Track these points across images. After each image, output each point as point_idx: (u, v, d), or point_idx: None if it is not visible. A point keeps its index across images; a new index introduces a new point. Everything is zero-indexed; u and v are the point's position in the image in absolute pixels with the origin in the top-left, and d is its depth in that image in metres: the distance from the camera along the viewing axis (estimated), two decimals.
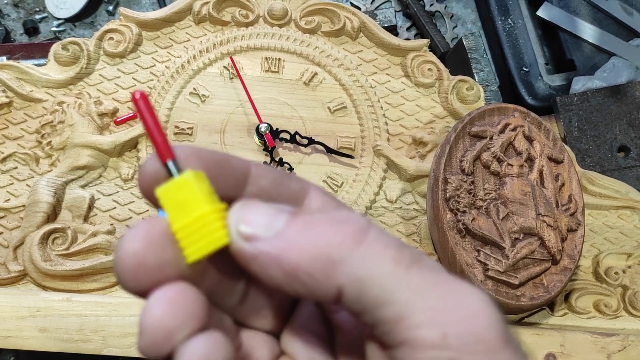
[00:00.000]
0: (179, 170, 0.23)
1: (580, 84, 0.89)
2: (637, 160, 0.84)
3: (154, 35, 0.77)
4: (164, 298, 0.21)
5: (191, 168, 0.23)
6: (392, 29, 0.99)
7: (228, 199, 0.24)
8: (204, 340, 0.22)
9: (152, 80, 0.74)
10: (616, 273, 0.70)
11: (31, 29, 1.02)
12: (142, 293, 0.22)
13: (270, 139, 0.70)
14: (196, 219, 0.22)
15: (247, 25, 0.78)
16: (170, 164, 0.23)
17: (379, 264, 0.21)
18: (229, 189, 0.25)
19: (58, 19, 1.03)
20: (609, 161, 0.84)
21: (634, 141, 0.85)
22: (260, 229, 0.22)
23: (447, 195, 0.65)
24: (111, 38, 0.75)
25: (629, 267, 0.72)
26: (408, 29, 1.04)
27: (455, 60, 0.94)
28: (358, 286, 0.21)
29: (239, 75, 0.73)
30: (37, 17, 1.04)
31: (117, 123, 0.71)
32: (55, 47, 0.73)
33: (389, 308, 0.21)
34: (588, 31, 0.95)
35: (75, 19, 1.04)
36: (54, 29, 1.03)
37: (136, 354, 0.59)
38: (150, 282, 0.22)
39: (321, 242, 0.22)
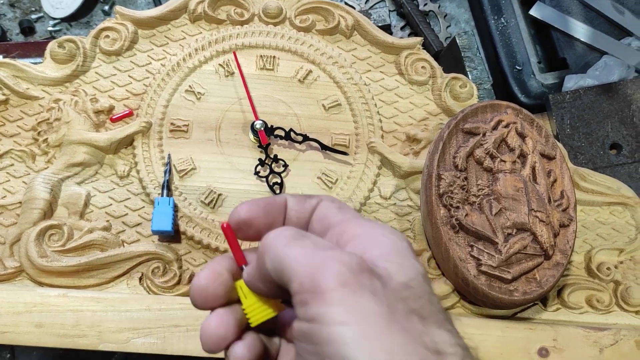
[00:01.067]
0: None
1: (572, 82, 0.90)
2: (629, 158, 0.85)
3: (150, 34, 0.77)
4: (217, 316, 0.34)
5: (247, 214, 0.36)
6: (386, 28, 1.00)
7: (279, 221, 0.36)
8: (244, 343, 0.34)
9: (147, 78, 0.75)
10: (608, 268, 0.71)
11: (27, 29, 1.02)
12: (204, 309, 0.35)
13: (264, 136, 0.70)
14: (256, 301, 0.34)
15: (242, 23, 0.79)
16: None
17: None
18: (280, 215, 0.36)
19: (54, 18, 1.04)
20: (601, 158, 0.85)
21: (626, 138, 0.86)
22: None
23: (441, 191, 0.65)
24: (107, 36, 0.75)
25: (621, 262, 0.73)
26: (402, 28, 1.04)
27: (449, 58, 0.95)
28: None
29: (240, 71, 0.74)
30: (33, 17, 1.04)
31: (113, 121, 0.72)
32: (52, 45, 0.74)
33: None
34: (580, 30, 0.96)
35: (71, 19, 1.04)
36: (50, 28, 1.03)
37: (131, 349, 0.60)
38: (209, 306, 0.34)
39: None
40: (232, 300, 0.35)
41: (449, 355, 0.27)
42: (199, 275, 0.34)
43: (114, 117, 0.71)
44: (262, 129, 0.70)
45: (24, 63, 0.73)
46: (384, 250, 0.30)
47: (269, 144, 0.72)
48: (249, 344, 0.34)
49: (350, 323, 0.26)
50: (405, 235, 0.38)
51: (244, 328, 0.35)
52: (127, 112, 0.72)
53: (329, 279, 0.27)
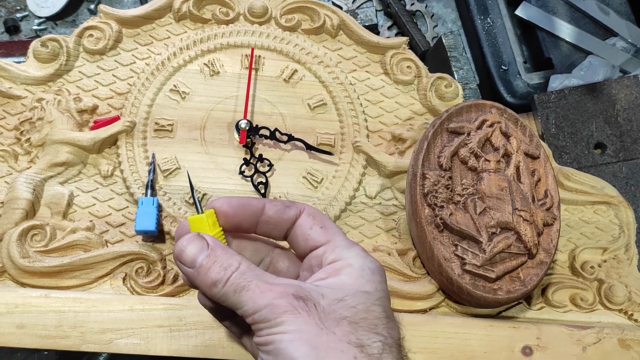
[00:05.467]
0: (202, 211, 0.45)
1: (557, 82, 0.90)
2: (613, 157, 0.85)
3: (134, 33, 0.77)
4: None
5: (219, 209, 0.45)
6: (373, 28, 1.00)
7: (250, 224, 0.46)
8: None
9: (132, 77, 0.74)
10: (592, 267, 0.71)
11: (12, 28, 1.01)
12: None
13: (244, 137, 0.70)
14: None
15: (227, 22, 0.78)
16: (200, 210, 0.46)
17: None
18: (251, 218, 0.46)
19: (39, 17, 1.03)
20: (585, 158, 0.85)
21: (610, 138, 0.86)
22: (188, 259, 0.42)
23: (425, 190, 0.65)
24: (91, 35, 0.75)
25: (605, 261, 0.73)
26: (389, 28, 1.05)
27: (436, 58, 0.95)
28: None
29: (250, 69, 0.74)
30: (18, 15, 1.03)
31: (93, 129, 0.71)
32: (35, 44, 0.73)
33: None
34: (565, 30, 0.96)
35: (56, 18, 1.03)
36: (35, 27, 1.02)
37: (114, 350, 0.59)
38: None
39: (208, 278, 0.41)
40: None
41: (370, 347, 0.38)
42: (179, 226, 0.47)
43: (93, 126, 0.70)
44: (247, 128, 0.70)
45: (6, 62, 0.72)
46: (345, 274, 0.42)
47: (254, 143, 0.72)
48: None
49: (291, 334, 0.37)
50: (374, 258, 0.44)
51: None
52: (109, 118, 0.71)
53: (274, 311, 0.38)
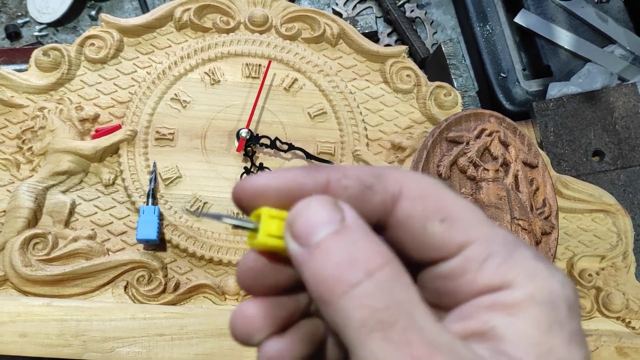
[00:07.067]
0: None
1: (556, 90, 0.91)
2: (611, 165, 0.86)
3: (136, 42, 0.77)
4: (257, 301, 0.25)
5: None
6: (373, 35, 1.00)
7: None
8: (283, 339, 0.25)
9: (133, 86, 0.75)
10: (590, 275, 0.72)
11: (13, 34, 1.02)
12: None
13: (242, 145, 0.71)
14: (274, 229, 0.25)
15: (228, 31, 0.79)
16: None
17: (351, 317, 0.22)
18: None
19: (40, 23, 1.03)
20: (584, 165, 0.86)
21: (608, 145, 0.87)
22: (302, 229, 0.23)
23: None
24: (92, 44, 0.75)
25: (603, 269, 0.74)
26: (389, 34, 1.05)
27: (435, 66, 0.95)
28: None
29: (264, 78, 0.74)
30: (20, 21, 1.04)
31: (95, 137, 0.71)
32: (36, 53, 0.74)
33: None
34: (564, 38, 0.97)
35: (57, 24, 1.04)
36: (36, 33, 1.03)
37: (116, 359, 0.60)
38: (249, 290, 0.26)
39: (324, 270, 0.22)
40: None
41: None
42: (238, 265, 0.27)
43: (94, 135, 0.71)
44: (248, 137, 0.71)
45: (8, 71, 0.73)
46: (525, 319, 0.23)
47: (255, 152, 0.73)
48: (291, 341, 0.25)
49: None
50: (566, 275, 0.28)
51: (287, 323, 0.26)
52: (110, 127, 0.71)
53: None
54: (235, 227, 0.26)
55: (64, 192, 0.69)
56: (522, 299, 0.22)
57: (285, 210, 0.24)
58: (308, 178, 0.24)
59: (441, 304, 0.24)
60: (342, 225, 0.22)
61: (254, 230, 0.25)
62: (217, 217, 0.27)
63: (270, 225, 0.24)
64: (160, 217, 0.67)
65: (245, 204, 0.25)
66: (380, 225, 0.25)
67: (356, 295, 0.21)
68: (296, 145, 0.72)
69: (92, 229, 0.67)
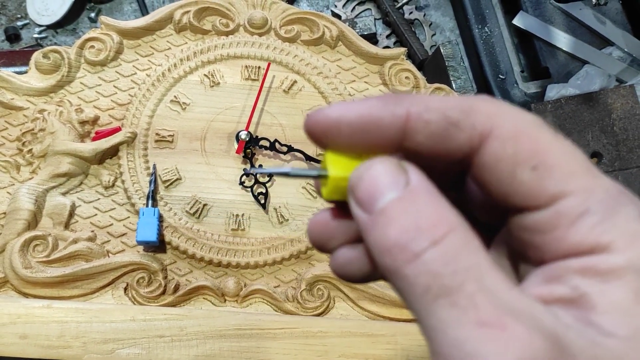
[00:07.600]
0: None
1: (554, 92, 0.91)
2: (609, 166, 0.86)
3: (135, 44, 0.77)
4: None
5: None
6: (372, 37, 1.00)
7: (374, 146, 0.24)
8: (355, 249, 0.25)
9: (133, 88, 0.75)
10: None
11: (13, 36, 1.02)
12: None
13: (241, 147, 0.71)
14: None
15: (227, 34, 0.79)
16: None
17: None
18: (378, 148, 0.23)
19: (40, 25, 1.03)
20: None
21: (606, 147, 0.87)
22: (365, 194, 0.22)
23: None
24: (92, 46, 0.75)
25: None
26: (388, 36, 1.05)
27: (434, 67, 0.96)
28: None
29: (263, 80, 0.74)
30: (19, 23, 1.04)
31: (95, 139, 0.71)
32: (36, 55, 0.74)
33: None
34: (562, 40, 0.97)
35: (57, 26, 1.04)
36: (36, 35, 1.03)
37: None
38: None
39: (387, 237, 0.21)
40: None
41: None
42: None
43: (94, 137, 0.71)
44: (247, 139, 0.71)
45: (8, 73, 0.73)
46: (621, 286, 0.20)
47: (254, 154, 0.73)
48: (362, 253, 0.25)
49: None
50: None
51: (359, 239, 0.25)
52: (110, 129, 0.72)
53: None
54: (300, 176, 0.26)
55: (64, 194, 0.69)
56: (620, 265, 0.19)
57: (356, 156, 0.24)
58: (386, 111, 0.22)
59: (527, 256, 0.23)
60: (407, 189, 0.21)
61: (324, 177, 0.24)
62: (285, 172, 0.26)
63: (336, 178, 0.24)
64: (160, 218, 0.68)
65: (316, 138, 0.24)
66: (464, 163, 0.23)
67: (420, 263, 0.20)
68: (295, 147, 0.73)
69: (92, 231, 0.67)
